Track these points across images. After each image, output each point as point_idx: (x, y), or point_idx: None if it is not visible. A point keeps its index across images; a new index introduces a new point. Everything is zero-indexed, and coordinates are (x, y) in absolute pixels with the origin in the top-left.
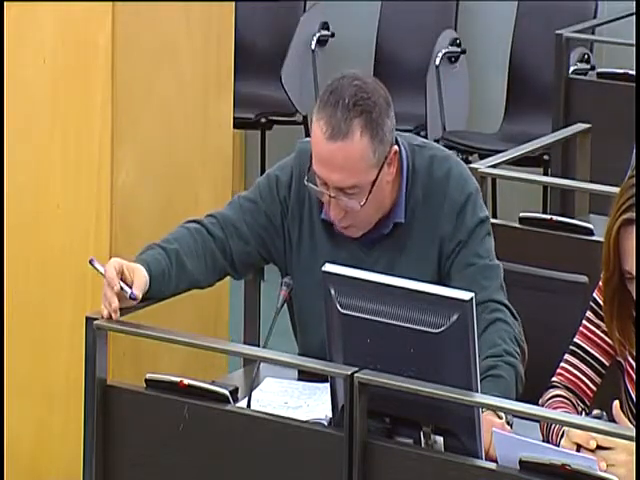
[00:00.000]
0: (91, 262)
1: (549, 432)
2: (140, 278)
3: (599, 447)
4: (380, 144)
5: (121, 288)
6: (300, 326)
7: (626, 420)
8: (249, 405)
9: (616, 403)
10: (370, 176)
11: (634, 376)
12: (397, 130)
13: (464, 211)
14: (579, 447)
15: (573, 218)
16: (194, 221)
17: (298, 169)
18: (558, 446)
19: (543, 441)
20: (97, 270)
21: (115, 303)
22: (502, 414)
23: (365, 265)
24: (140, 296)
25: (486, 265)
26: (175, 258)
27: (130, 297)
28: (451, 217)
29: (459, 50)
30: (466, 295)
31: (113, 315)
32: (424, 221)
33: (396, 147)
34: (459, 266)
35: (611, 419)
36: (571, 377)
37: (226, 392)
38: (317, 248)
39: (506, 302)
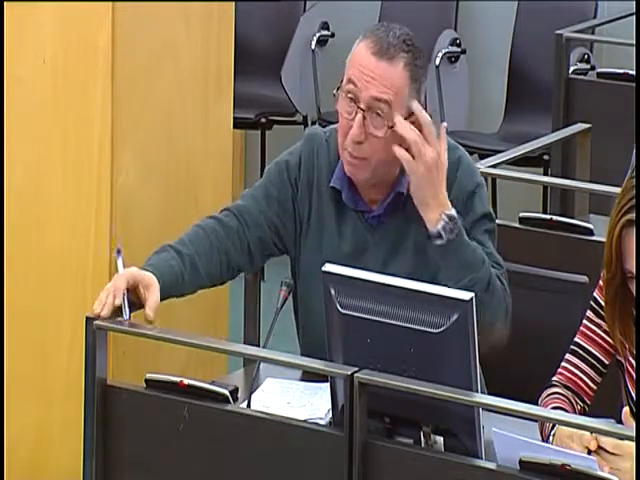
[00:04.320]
0: (119, 251)
1: (542, 427)
2: (154, 296)
3: (606, 451)
4: (416, 92)
5: (123, 303)
6: (303, 309)
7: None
8: (249, 405)
9: (626, 409)
10: (401, 108)
11: (634, 375)
12: None
13: (472, 200)
14: (589, 450)
15: (573, 218)
16: (211, 217)
17: (307, 151)
18: (548, 440)
19: (543, 441)
20: (116, 264)
21: (105, 314)
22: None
23: (368, 245)
24: (153, 316)
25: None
26: (189, 262)
27: (124, 318)
28: (457, 202)
29: (459, 50)
30: (466, 295)
31: (101, 313)
32: None
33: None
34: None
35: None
36: (571, 376)
37: (226, 392)
38: (324, 224)
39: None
